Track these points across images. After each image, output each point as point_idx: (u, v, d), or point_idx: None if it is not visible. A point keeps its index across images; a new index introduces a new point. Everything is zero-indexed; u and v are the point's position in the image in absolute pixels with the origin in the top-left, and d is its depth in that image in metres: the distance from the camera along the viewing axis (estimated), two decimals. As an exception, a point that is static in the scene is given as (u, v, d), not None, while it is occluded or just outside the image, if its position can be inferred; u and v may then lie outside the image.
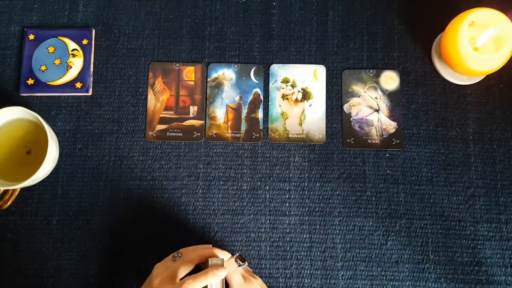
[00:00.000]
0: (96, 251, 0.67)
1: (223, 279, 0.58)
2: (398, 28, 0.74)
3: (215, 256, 0.57)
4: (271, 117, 0.71)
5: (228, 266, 0.56)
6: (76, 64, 0.72)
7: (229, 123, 0.71)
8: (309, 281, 0.67)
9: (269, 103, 0.72)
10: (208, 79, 0.72)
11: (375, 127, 0.71)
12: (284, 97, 0.72)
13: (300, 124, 0.71)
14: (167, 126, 0.71)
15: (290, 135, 0.71)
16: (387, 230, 0.68)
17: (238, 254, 0.60)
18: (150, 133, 0.71)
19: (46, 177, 0.67)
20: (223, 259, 0.56)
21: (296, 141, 0.71)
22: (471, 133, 0.71)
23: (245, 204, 0.69)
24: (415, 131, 0.71)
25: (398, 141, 0.70)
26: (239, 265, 0.58)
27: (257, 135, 0.71)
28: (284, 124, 0.71)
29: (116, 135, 0.71)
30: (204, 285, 0.53)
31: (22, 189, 0.68)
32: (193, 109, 0.71)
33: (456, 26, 0.64)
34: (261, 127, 0.71)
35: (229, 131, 0.71)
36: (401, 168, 0.70)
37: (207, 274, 0.53)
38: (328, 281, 0.67)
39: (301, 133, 0.71)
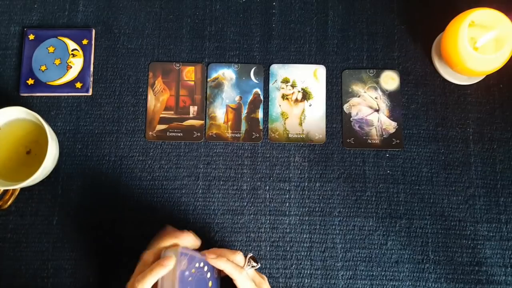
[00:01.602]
0: (96, 251, 0.67)
1: (211, 272, 0.56)
2: (398, 28, 0.74)
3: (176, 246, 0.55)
4: (271, 117, 0.71)
5: (244, 278, 0.55)
6: (76, 64, 0.72)
7: (229, 123, 0.71)
8: (309, 281, 0.67)
9: (269, 103, 0.72)
10: (208, 79, 0.72)
11: (375, 127, 0.71)
12: (284, 97, 0.72)
13: (300, 124, 0.71)
14: (167, 126, 0.71)
15: (290, 135, 0.71)
16: (387, 230, 0.68)
17: (251, 255, 0.58)
18: (150, 133, 0.71)
19: (46, 177, 0.67)
20: (179, 248, 0.54)
21: (296, 141, 0.71)
22: (471, 133, 0.71)
23: (245, 204, 0.69)
24: (415, 131, 0.71)
25: (398, 141, 0.70)
26: (252, 266, 0.57)
27: (257, 135, 0.71)
28: (284, 124, 0.71)
29: (116, 135, 0.71)
30: (154, 281, 0.51)
31: (22, 189, 0.68)
32: (193, 109, 0.71)
33: (456, 26, 0.64)
34: (261, 127, 0.71)
35: (229, 131, 0.71)
36: (401, 168, 0.70)
37: (152, 269, 0.51)
38: (328, 281, 0.67)
39: (301, 133, 0.71)
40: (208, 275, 0.57)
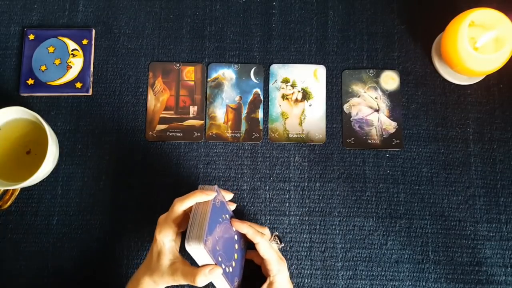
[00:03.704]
0: (96, 251, 0.67)
1: (239, 236, 0.59)
2: (398, 28, 0.74)
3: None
4: (271, 117, 0.71)
5: (266, 242, 0.57)
6: (76, 64, 0.72)
7: (229, 123, 0.71)
8: (309, 281, 0.67)
9: (269, 103, 0.72)
10: (208, 79, 0.72)
11: (375, 127, 0.71)
12: (284, 97, 0.72)
13: (300, 124, 0.71)
14: (167, 126, 0.71)
15: (290, 135, 0.71)
16: (387, 230, 0.68)
17: (276, 233, 0.61)
18: (150, 133, 0.71)
19: (46, 177, 0.67)
20: (215, 186, 0.57)
21: (296, 141, 0.71)
22: (471, 133, 0.71)
23: (245, 204, 0.69)
24: (415, 131, 0.71)
25: (398, 141, 0.70)
26: (276, 244, 0.60)
27: (257, 135, 0.71)
28: (284, 124, 0.71)
29: (116, 135, 0.71)
30: (192, 203, 0.55)
31: (22, 189, 0.68)
32: (193, 109, 0.71)
33: (456, 26, 0.64)
34: (261, 127, 0.71)
35: (229, 131, 0.71)
36: (401, 168, 0.70)
37: (195, 193, 0.56)
38: (328, 281, 0.67)
39: (301, 133, 0.71)
40: (236, 237, 0.59)
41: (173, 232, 0.55)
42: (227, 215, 0.59)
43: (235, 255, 0.59)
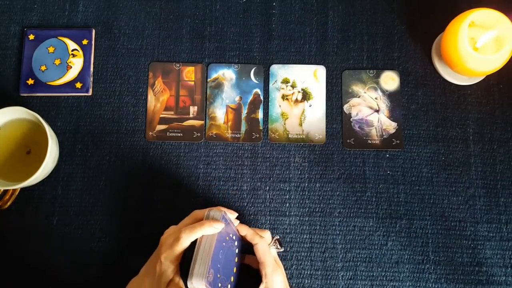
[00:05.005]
0: (96, 251, 0.67)
1: (239, 249, 0.59)
2: (398, 28, 0.74)
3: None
4: (271, 118, 0.71)
5: (265, 244, 0.57)
6: (76, 64, 0.72)
7: (229, 123, 0.71)
8: (309, 281, 0.67)
9: (269, 103, 0.72)
10: (208, 79, 0.72)
11: (375, 128, 0.71)
12: (284, 97, 0.72)
13: (300, 124, 0.71)
14: (167, 126, 0.71)
15: (290, 136, 0.71)
16: (387, 231, 0.68)
17: (277, 237, 0.61)
18: (150, 133, 0.71)
19: (46, 177, 0.67)
20: (223, 211, 0.56)
21: (296, 142, 0.71)
22: (471, 133, 0.71)
23: (245, 204, 0.69)
24: (415, 131, 0.71)
25: (398, 142, 0.70)
26: (276, 248, 0.60)
27: (257, 135, 0.71)
28: (284, 124, 0.71)
29: (116, 135, 0.71)
30: (199, 235, 0.54)
31: (22, 189, 0.68)
32: (193, 109, 0.71)
33: (456, 26, 0.64)
34: (261, 128, 0.71)
35: (229, 131, 0.71)
36: (401, 169, 0.70)
37: (203, 225, 0.54)
38: (328, 282, 0.67)
39: (301, 134, 0.71)
40: (236, 250, 0.59)
41: (178, 259, 0.55)
42: (231, 235, 0.58)
43: (234, 269, 0.58)
